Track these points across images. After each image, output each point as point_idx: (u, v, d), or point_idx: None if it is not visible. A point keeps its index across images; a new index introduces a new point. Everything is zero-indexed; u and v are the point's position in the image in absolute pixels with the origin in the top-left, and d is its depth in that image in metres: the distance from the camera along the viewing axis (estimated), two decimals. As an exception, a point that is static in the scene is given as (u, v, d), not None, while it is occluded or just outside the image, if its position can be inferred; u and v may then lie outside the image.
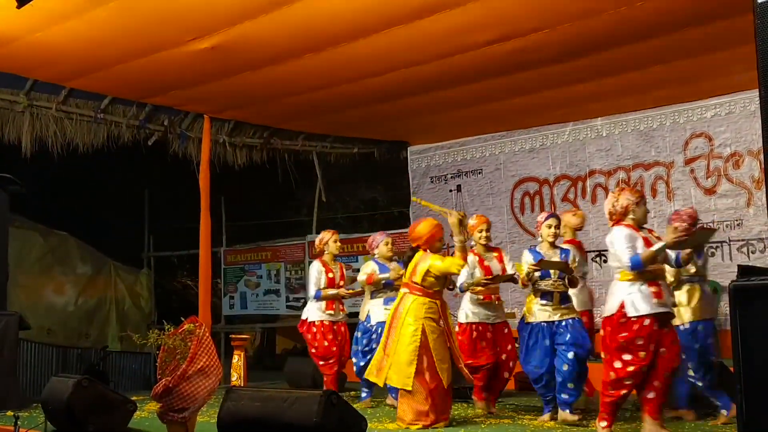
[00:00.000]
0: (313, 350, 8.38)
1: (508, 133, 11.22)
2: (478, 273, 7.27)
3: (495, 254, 7.46)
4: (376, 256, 8.20)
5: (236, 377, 8.57)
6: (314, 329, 8.37)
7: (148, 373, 11.49)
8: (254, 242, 14.10)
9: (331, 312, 8.39)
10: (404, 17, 6.91)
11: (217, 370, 5.50)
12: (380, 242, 8.15)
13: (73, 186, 12.82)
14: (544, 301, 6.63)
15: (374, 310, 8.01)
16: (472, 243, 7.40)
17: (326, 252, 8.48)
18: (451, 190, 11.79)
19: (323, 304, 8.37)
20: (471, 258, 7.16)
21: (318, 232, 13.08)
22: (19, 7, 6.39)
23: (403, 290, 6.71)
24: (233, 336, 9.03)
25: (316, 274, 8.41)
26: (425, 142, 12.08)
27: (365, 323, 8.10)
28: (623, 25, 7.13)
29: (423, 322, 6.44)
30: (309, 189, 13.40)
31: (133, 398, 6.90)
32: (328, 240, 8.48)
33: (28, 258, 12.30)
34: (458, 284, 7.30)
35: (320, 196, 13.04)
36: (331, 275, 8.40)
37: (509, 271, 7.31)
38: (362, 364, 7.88)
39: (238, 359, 8.62)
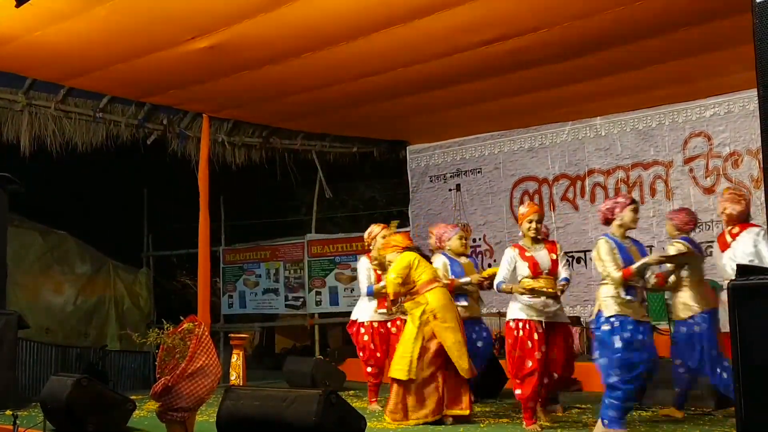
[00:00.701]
0: (360, 353, 7.94)
1: (507, 133, 11.22)
2: (522, 267, 6.56)
3: (545, 245, 6.72)
4: (446, 249, 7.53)
5: (235, 376, 8.55)
6: (362, 330, 7.88)
7: (147, 373, 11.48)
8: (253, 241, 14.10)
9: (383, 311, 7.77)
10: (403, 17, 6.91)
11: (216, 369, 5.50)
12: (453, 236, 7.47)
13: (72, 185, 12.81)
14: (629, 297, 5.73)
15: None
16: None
17: (373, 247, 7.86)
18: (450, 190, 11.79)
19: (375, 302, 7.82)
20: (510, 252, 6.66)
21: (317, 232, 13.18)
22: (17, 6, 6.39)
23: (443, 288, 6.88)
24: (232, 335, 9.03)
25: (365, 271, 7.86)
26: (424, 142, 12.08)
27: None
28: (622, 25, 7.13)
29: None
30: (308, 188, 13.40)
31: (133, 397, 6.90)
32: (376, 234, 7.85)
33: (27, 257, 12.29)
34: (495, 284, 6.67)
35: (322, 194, 13.03)
36: (380, 271, 7.74)
37: (562, 265, 6.56)
38: None
39: (237, 358, 8.61)
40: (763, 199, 6.85)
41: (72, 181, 12.56)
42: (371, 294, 7.81)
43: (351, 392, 8.88)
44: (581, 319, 10.04)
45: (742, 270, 3.89)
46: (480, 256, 11.36)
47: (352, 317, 8.10)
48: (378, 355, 7.77)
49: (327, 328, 13.94)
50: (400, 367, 6.62)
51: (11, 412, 6.12)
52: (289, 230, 14.44)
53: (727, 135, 9.38)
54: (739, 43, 6.84)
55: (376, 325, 7.83)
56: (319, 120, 10.94)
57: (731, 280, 3.69)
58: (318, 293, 12.75)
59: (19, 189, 8.94)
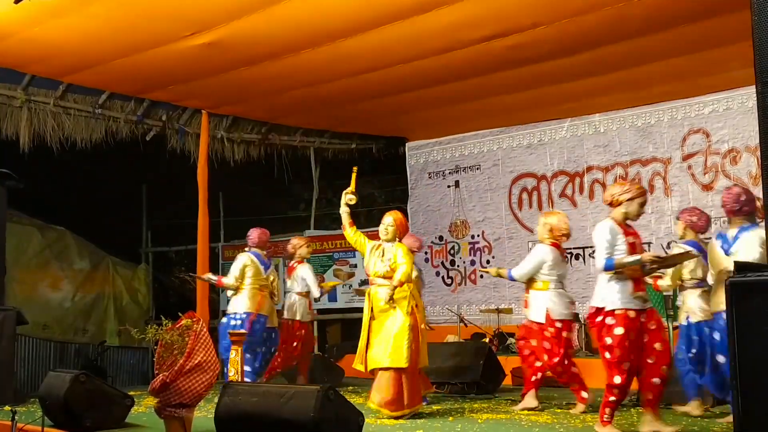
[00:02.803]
0: (607, 353, 5.52)
1: (506, 129, 11.23)
2: None
3: None
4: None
5: (233, 372, 8.55)
6: (612, 321, 5.50)
7: (145, 369, 11.50)
8: (252, 237, 14.06)
9: (641, 294, 5.59)
10: (402, 13, 6.92)
11: (215, 365, 5.50)
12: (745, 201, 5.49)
13: (71, 181, 12.79)
14: None
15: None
16: None
17: (621, 210, 5.70)
18: (449, 186, 11.80)
19: (627, 284, 5.53)
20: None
21: (316, 228, 13.16)
22: (16, 2, 6.39)
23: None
24: (231, 331, 9.01)
25: (607, 235, 5.58)
26: (423, 138, 12.09)
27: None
28: (621, 22, 7.14)
29: None
30: (307, 185, 13.39)
31: (131, 393, 6.90)
32: (634, 197, 5.68)
33: (26, 253, 12.29)
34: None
35: (320, 190, 13.03)
36: (631, 240, 5.63)
37: None
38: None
39: (235, 354, 8.60)
40: (761, 195, 6.86)
41: (71, 177, 12.55)
42: (610, 268, 5.54)
43: (349, 388, 8.88)
44: (579, 316, 10.03)
45: (740, 267, 3.89)
46: (478, 252, 11.37)
47: (595, 303, 5.70)
48: (631, 356, 5.52)
49: (325, 324, 13.92)
50: (398, 356, 6.64)
51: (10, 408, 6.12)
52: (288, 226, 14.42)
53: (726, 132, 9.40)
54: (738, 40, 6.86)
55: (632, 315, 5.50)
56: (318, 116, 10.96)
57: (728, 277, 3.69)
58: (317, 289, 12.71)
59: (18, 185, 8.93)
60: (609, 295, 5.56)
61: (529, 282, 7.16)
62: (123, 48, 7.75)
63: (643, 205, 5.79)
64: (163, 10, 6.93)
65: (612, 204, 5.77)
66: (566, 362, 7.01)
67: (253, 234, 8.90)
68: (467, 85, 9.01)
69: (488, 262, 10.99)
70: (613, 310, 5.51)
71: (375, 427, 6.25)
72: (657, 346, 5.56)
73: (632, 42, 7.66)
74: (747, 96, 9.01)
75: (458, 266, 11.64)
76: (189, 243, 12.07)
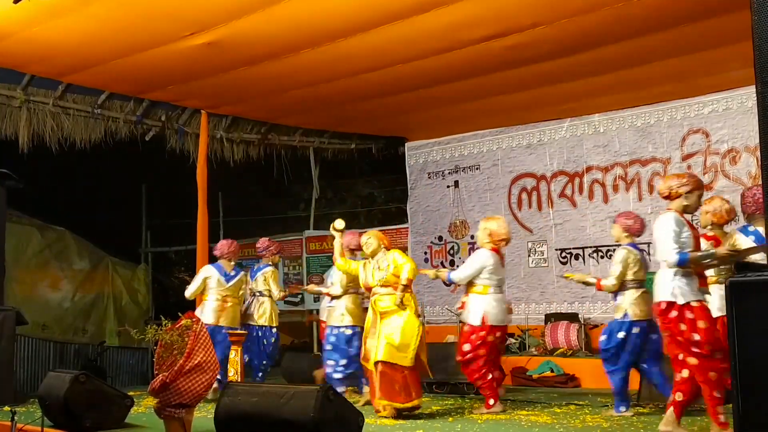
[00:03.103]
0: (695, 348, 5.30)
1: (505, 129, 11.22)
2: None
3: None
4: None
5: (233, 372, 8.55)
6: (690, 315, 5.28)
7: (145, 369, 11.48)
8: (251, 238, 14.08)
9: (705, 289, 5.45)
10: (402, 13, 6.91)
11: (214, 365, 5.51)
12: None
13: (71, 181, 12.81)
14: None
15: None
16: None
17: (681, 203, 5.51)
18: (448, 186, 11.80)
19: (695, 279, 5.37)
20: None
21: (315, 228, 13.16)
22: (16, 2, 6.38)
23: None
24: (230, 332, 9.02)
25: (674, 227, 5.34)
26: (423, 138, 12.08)
27: None
28: (621, 22, 7.13)
29: None
30: (306, 185, 13.40)
31: (131, 393, 6.90)
32: (693, 189, 5.51)
33: (25, 253, 12.30)
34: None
35: (320, 190, 13.04)
36: (695, 233, 5.50)
37: None
38: None
39: (235, 354, 8.61)
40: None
41: (70, 178, 12.56)
42: (684, 263, 5.31)
43: (349, 388, 8.88)
44: (579, 316, 10.04)
45: (740, 267, 3.90)
46: (478, 252, 11.36)
47: (664, 297, 5.43)
48: (716, 351, 5.24)
49: (325, 324, 13.96)
50: (404, 355, 6.76)
51: (9, 408, 6.12)
52: (287, 226, 14.43)
53: (726, 132, 9.40)
54: (738, 40, 6.86)
55: (704, 306, 5.35)
56: (318, 116, 10.95)
57: (728, 277, 3.70)
58: (316, 289, 12.71)
59: (17, 185, 8.94)
60: (680, 288, 5.33)
61: (469, 285, 7.25)
62: (123, 48, 7.74)
63: (701, 197, 5.57)
64: (163, 10, 6.92)
65: (670, 197, 5.54)
66: (486, 367, 7.07)
67: (218, 245, 9.01)
68: (467, 85, 9.01)
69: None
70: (689, 303, 5.29)
71: (375, 427, 6.25)
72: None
73: (632, 42, 7.66)
74: (747, 96, 9.01)
75: (458, 267, 11.62)
76: (188, 243, 12.07)
